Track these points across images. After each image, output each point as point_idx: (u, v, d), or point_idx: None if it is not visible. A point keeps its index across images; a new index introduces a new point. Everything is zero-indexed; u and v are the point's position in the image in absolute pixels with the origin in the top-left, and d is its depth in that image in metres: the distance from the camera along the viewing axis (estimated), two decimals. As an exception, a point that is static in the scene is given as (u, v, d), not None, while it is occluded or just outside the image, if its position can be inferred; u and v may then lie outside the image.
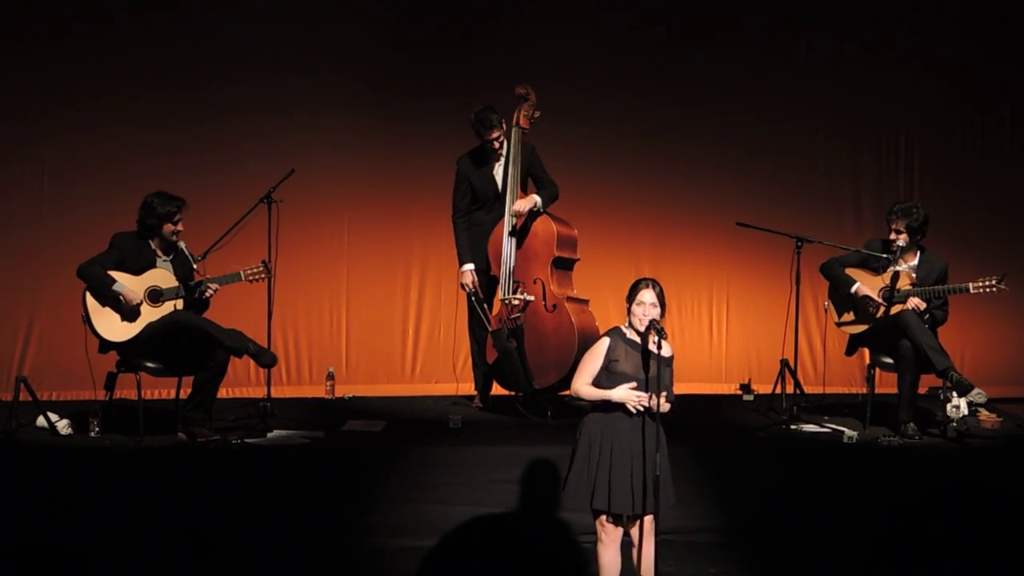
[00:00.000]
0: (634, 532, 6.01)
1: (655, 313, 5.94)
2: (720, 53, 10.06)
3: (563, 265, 8.42)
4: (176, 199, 7.70)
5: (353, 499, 7.30)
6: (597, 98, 9.93)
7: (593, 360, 6.05)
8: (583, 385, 6.03)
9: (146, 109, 9.50)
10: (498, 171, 8.54)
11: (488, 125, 8.35)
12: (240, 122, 9.65)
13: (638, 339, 6.01)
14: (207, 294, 7.74)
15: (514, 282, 8.38)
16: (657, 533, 5.97)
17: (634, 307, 5.98)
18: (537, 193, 8.42)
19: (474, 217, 8.60)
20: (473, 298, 8.52)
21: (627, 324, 6.05)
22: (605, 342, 6.06)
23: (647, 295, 5.95)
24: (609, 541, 6.02)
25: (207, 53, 9.64)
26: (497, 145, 8.44)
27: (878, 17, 10.15)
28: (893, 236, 8.07)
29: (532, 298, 8.31)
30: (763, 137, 10.12)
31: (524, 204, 8.33)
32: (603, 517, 6.00)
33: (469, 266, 8.53)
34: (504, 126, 8.42)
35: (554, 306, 8.27)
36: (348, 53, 9.85)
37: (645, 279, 6.07)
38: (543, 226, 8.39)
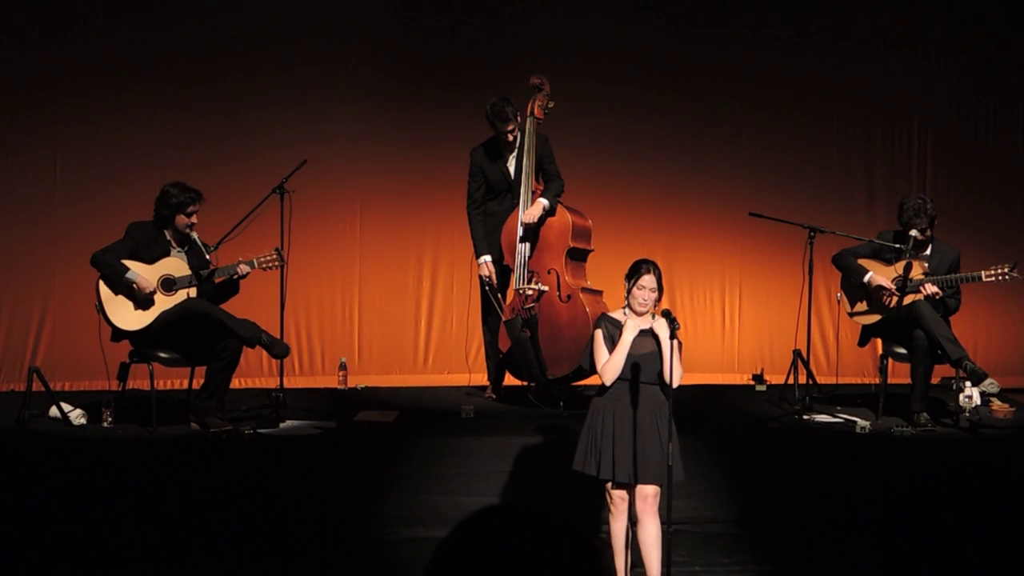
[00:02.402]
0: (636, 504, 6.07)
1: (654, 297, 6.06)
2: (733, 44, 10.02)
3: (577, 256, 8.42)
4: (192, 191, 7.68)
5: (365, 489, 7.30)
6: (611, 88, 9.91)
7: (599, 345, 6.17)
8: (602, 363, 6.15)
9: (159, 100, 9.51)
10: (511, 163, 8.53)
11: (503, 118, 8.33)
12: (252, 112, 9.64)
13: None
14: (239, 274, 7.71)
15: (528, 272, 8.38)
16: (669, 522, 5.96)
17: (635, 290, 6.06)
18: (542, 193, 8.42)
19: (487, 207, 8.60)
20: (488, 288, 8.52)
21: (624, 307, 6.13)
22: (599, 333, 6.16)
23: (648, 280, 6.05)
24: (617, 511, 6.09)
25: (219, 44, 9.64)
26: (511, 138, 8.42)
27: (892, 7, 10.12)
28: (916, 234, 7.99)
29: (546, 288, 8.31)
30: (776, 127, 10.10)
31: (534, 214, 8.32)
32: (609, 487, 6.08)
33: (486, 258, 8.52)
34: (519, 119, 8.40)
35: (568, 296, 8.27)
36: (361, 43, 9.84)
37: (645, 262, 6.12)
38: (558, 217, 8.39)
